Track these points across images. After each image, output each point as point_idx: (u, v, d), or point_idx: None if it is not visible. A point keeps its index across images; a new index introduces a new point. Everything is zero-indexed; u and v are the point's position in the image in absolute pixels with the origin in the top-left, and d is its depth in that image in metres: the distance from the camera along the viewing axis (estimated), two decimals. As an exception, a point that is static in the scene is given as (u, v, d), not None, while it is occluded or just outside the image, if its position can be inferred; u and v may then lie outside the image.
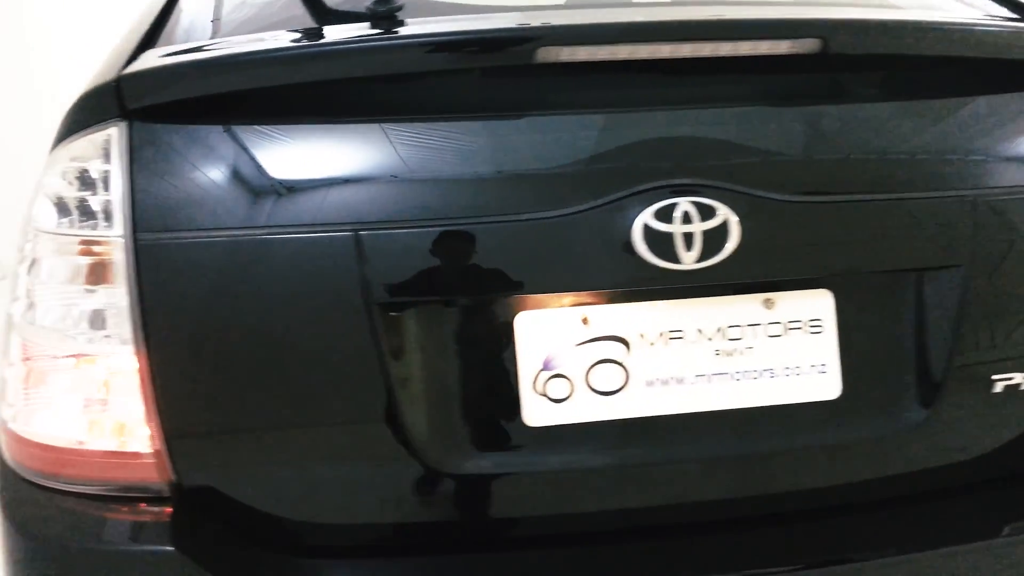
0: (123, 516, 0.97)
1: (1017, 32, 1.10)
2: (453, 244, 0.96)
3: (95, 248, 0.97)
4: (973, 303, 1.04)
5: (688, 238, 0.97)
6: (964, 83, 1.05)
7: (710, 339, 1.03)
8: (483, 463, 1.01)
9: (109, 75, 1.02)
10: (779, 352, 1.04)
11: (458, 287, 0.98)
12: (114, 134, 0.97)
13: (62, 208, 0.99)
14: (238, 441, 0.97)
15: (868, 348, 1.05)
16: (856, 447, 1.06)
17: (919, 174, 1.02)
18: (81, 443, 0.98)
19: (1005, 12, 1.27)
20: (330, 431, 0.97)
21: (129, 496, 0.98)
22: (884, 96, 1.04)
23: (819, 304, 1.04)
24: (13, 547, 0.98)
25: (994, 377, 1.06)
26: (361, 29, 1.04)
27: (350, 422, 0.97)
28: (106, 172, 0.97)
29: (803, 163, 1.01)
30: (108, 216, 0.96)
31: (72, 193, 0.99)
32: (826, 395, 1.05)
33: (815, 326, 1.04)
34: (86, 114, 0.99)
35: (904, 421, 1.05)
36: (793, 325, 1.04)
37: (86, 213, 0.98)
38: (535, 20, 0.98)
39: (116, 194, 0.96)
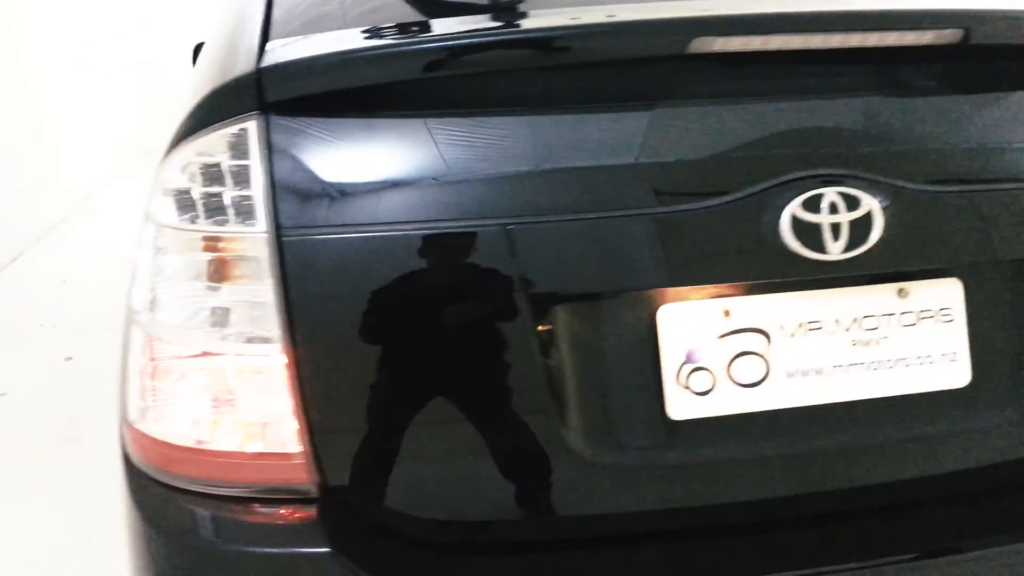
0: (271, 518, 0.95)
1: None
2: (603, 237, 0.95)
3: (237, 245, 0.94)
4: None
5: (835, 228, 0.97)
6: None
7: (847, 329, 1.03)
8: (629, 457, 1.00)
9: (236, 69, 1.00)
10: (912, 341, 1.04)
11: (606, 280, 0.97)
12: (252, 128, 0.95)
13: (198, 204, 0.97)
14: (386, 438, 0.96)
15: (996, 336, 1.06)
16: (985, 434, 1.07)
17: None
18: (224, 445, 0.96)
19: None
20: (481, 426, 0.96)
21: (275, 498, 0.96)
22: (1019, 86, 1.05)
23: (949, 293, 1.05)
24: (156, 553, 0.95)
25: None
26: (492, 21, 1.03)
27: (501, 417, 0.96)
28: (246, 167, 0.95)
29: (939, 153, 1.02)
30: (250, 212, 0.94)
31: (210, 189, 0.96)
32: (956, 383, 1.05)
33: (946, 315, 1.05)
34: (220, 108, 0.97)
35: None
36: (925, 314, 1.05)
37: (226, 209, 0.95)
38: (682, 11, 0.97)
39: (258, 189, 0.94)
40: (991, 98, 1.04)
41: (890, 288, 1.04)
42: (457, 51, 0.95)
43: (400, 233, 0.93)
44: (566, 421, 0.97)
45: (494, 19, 1.03)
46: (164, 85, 6.92)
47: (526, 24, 1.00)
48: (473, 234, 0.94)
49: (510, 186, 0.95)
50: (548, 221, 0.95)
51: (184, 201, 0.99)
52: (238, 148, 0.96)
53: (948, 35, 0.97)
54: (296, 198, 0.94)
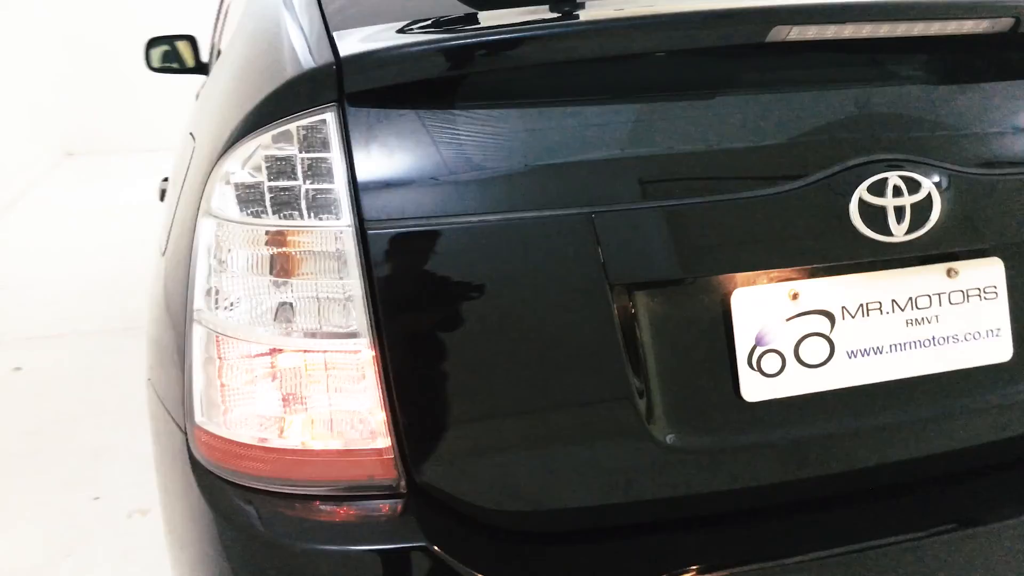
0: (361, 514, 0.93)
1: None
2: (680, 223, 0.97)
3: (316, 239, 0.92)
4: None
5: (899, 211, 1.01)
6: None
7: (902, 309, 1.07)
8: (706, 439, 1.02)
9: (305, 61, 0.97)
10: (960, 319, 1.09)
11: (684, 265, 0.98)
12: (331, 119, 0.93)
13: (267, 198, 0.95)
14: (473, 429, 0.95)
15: None
16: (1018, 409, 1.12)
17: None
18: (306, 443, 0.94)
19: None
20: (565, 414, 0.96)
21: (362, 494, 0.94)
22: None
23: (992, 272, 1.10)
24: (243, 558, 0.92)
25: None
26: (558, 11, 1.03)
27: (586, 402, 0.97)
28: (325, 159, 0.93)
29: (987, 138, 1.07)
30: (332, 205, 0.92)
31: (284, 183, 0.94)
32: (1000, 358, 1.11)
33: (990, 293, 1.10)
34: (293, 100, 0.94)
35: None
36: (972, 293, 1.09)
37: (301, 203, 0.93)
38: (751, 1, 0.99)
39: (340, 182, 0.92)
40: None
41: (940, 268, 1.08)
42: (542, 41, 0.95)
43: (483, 223, 0.93)
44: (647, 406, 0.98)
45: (560, 9, 1.03)
46: (88, 88, 6.69)
47: (603, 15, 1.01)
48: (557, 223, 0.94)
49: (592, 175, 0.96)
50: (630, 209, 0.96)
51: (250, 195, 0.96)
52: (315, 140, 0.93)
53: (1001, 24, 1.01)
54: (378, 190, 0.93)
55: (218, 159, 1.01)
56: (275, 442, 0.94)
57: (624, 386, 0.97)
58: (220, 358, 0.97)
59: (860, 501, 1.07)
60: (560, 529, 1.00)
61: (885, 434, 1.08)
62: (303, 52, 0.99)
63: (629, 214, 0.96)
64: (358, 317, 0.92)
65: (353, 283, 0.92)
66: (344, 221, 0.92)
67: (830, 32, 0.97)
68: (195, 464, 1.00)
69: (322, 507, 0.94)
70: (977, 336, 1.10)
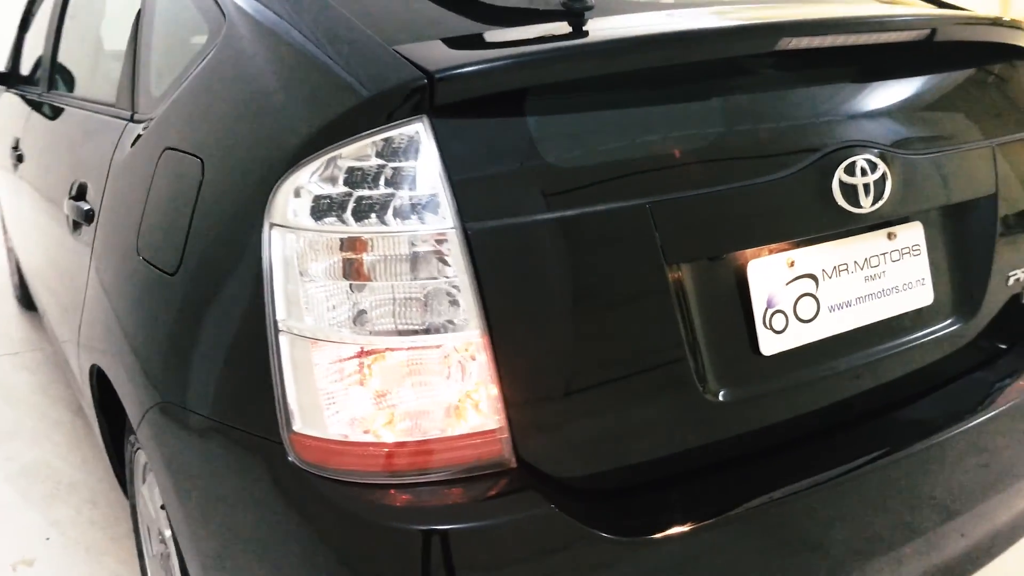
0: (479, 493, 1.01)
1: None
2: (714, 208, 1.13)
3: (429, 241, 0.99)
4: (1002, 224, 1.43)
5: (867, 188, 1.23)
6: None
7: (861, 268, 1.31)
8: (739, 391, 1.19)
9: (393, 77, 1.02)
10: (899, 273, 1.35)
11: (718, 244, 1.15)
12: (422, 130, 1.00)
13: (349, 206, 1.00)
14: (567, 404, 1.06)
15: (944, 264, 1.40)
16: (941, 341, 1.40)
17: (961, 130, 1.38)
18: (427, 432, 1.00)
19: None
20: (640, 378, 1.10)
21: (479, 475, 1.02)
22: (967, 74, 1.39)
23: (915, 233, 1.36)
24: (367, 555, 0.97)
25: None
26: (602, 25, 1.17)
27: (651, 368, 1.10)
28: (413, 167, 1.00)
29: (915, 125, 1.33)
30: (437, 208, 0.99)
31: (388, 191, 0.99)
32: (925, 302, 1.38)
33: (916, 250, 1.37)
34: (380, 113, 1.00)
35: (974, 320, 1.42)
36: (905, 251, 1.35)
37: (391, 209, 1.00)
38: (770, 15, 1.19)
39: (435, 187, 0.99)
40: (949, 82, 1.37)
41: (883, 233, 1.33)
42: (609, 51, 1.08)
43: (563, 217, 1.04)
44: (696, 368, 1.14)
45: (595, 24, 1.17)
46: None
47: (642, 30, 1.15)
48: (625, 213, 1.07)
49: (646, 171, 1.10)
50: (676, 198, 1.11)
51: (330, 204, 1.01)
52: (408, 150, 1.00)
53: (922, 35, 1.27)
54: (473, 194, 1.01)
55: (285, 172, 1.03)
56: (394, 439, 1.00)
57: (677, 351, 1.12)
58: (314, 363, 1.01)
59: (848, 428, 1.29)
60: (630, 484, 1.13)
61: (862, 370, 1.31)
62: (375, 66, 1.04)
63: (676, 203, 1.11)
64: (471, 311, 1.00)
65: (461, 278, 0.99)
66: (448, 223, 0.99)
67: (824, 43, 1.18)
68: (296, 471, 1.02)
69: (447, 492, 1.01)
70: (910, 286, 1.36)
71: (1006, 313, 1.47)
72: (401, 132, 1.00)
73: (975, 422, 1.35)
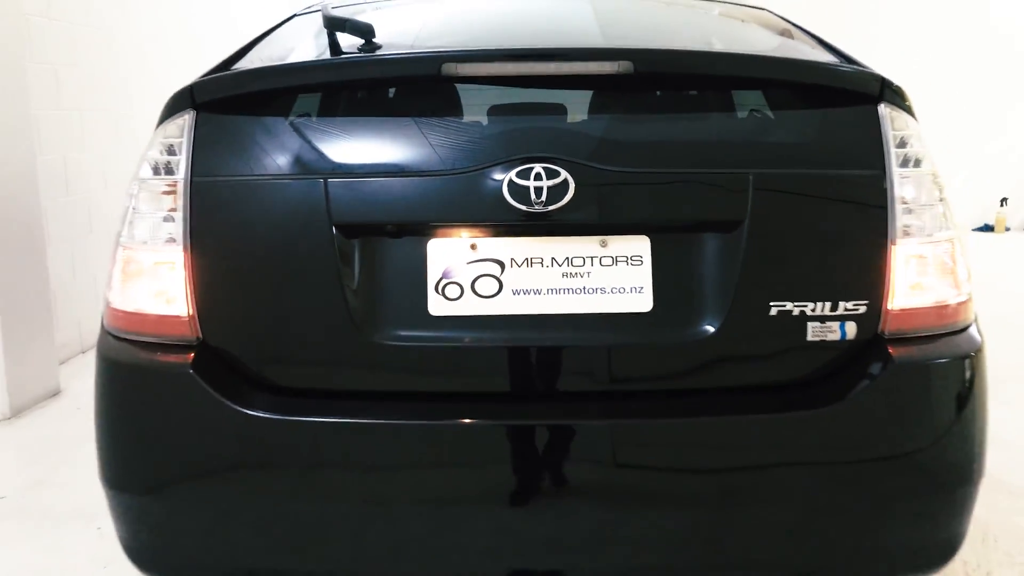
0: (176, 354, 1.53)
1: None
2: (390, 190, 1.49)
3: (174, 186, 1.54)
4: (750, 250, 1.48)
5: (538, 191, 1.46)
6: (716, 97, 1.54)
7: (560, 264, 1.51)
8: (400, 336, 1.51)
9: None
10: (608, 277, 1.51)
11: (391, 217, 1.50)
12: (187, 120, 1.55)
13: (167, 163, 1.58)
14: (240, 310, 1.52)
15: (671, 277, 1.51)
16: (662, 349, 1.51)
17: (703, 157, 1.49)
18: (145, 308, 1.55)
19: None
20: (296, 310, 1.50)
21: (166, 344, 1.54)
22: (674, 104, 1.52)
23: (640, 246, 1.51)
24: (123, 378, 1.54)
25: (771, 304, 1.49)
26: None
27: (309, 305, 1.50)
28: (181, 142, 1.55)
29: (619, 146, 1.50)
30: (179, 166, 1.54)
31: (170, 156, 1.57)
32: (643, 308, 1.51)
33: (636, 261, 1.51)
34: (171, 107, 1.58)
35: (698, 333, 1.50)
36: (620, 259, 1.51)
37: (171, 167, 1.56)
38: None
39: (184, 155, 1.54)
40: (653, 110, 1.52)
41: (594, 239, 1.51)
42: (306, 71, 1.54)
43: (259, 180, 1.51)
44: (356, 312, 1.50)
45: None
46: None
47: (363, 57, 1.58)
48: (302, 182, 1.50)
49: (336, 154, 1.51)
50: (351, 178, 1.50)
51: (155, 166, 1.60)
52: (180, 132, 1.56)
53: (622, 66, 1.46)
54: (200, 159, 1.53)
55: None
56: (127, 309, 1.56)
57: (339, 298, 1.49)
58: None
59: (517, 398, 1.51)
60: (311, 389, 1.53)
61: (539, 351, 1.51)
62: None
63: (350, 181, 1.49)
64: (177, 232, 1.52)
65: (180, 212, 1.52)
66: (181, 176, 1.53)
67: (490, 69, 1.47)
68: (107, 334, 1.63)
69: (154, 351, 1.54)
70: (623, 291, 1.51)
71: (744, 337, 1.50)
72: (176, 121, 1.57)
73: (607, 428, 1.46)
